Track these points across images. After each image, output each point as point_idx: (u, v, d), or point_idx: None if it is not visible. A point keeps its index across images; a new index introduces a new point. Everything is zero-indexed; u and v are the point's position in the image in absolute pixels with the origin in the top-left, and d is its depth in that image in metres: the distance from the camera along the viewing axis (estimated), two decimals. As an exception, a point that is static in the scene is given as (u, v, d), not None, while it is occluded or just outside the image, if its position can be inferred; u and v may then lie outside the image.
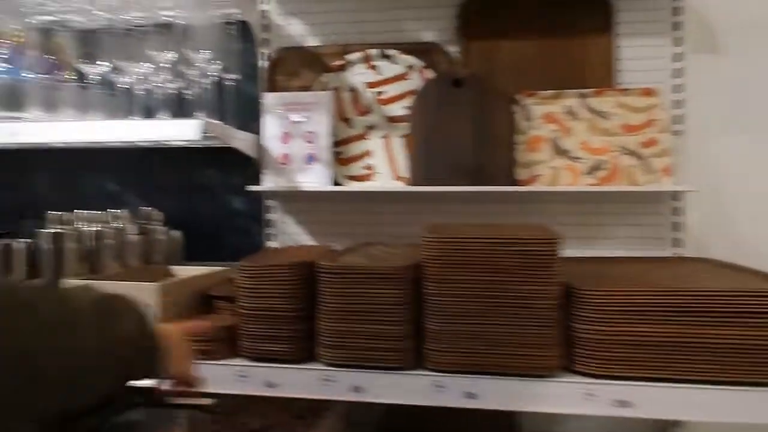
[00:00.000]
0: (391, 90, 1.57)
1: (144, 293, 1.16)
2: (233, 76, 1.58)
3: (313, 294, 1.07)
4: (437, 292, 1.00)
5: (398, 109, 1.56)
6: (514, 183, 1.46)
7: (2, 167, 1.88)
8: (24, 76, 1.54)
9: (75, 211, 1.44)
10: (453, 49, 1.57)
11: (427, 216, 1.61)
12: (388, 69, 1.58)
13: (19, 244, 1.26)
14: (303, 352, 1.08)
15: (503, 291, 0.97)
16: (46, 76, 1.55)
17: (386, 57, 1.58)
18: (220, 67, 1.49)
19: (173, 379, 0.75)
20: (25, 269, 1.25)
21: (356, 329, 1.02)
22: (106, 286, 1.19)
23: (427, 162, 1.47)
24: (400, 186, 1.53)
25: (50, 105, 1.51)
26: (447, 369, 1.02)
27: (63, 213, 1.33)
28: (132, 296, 0.70)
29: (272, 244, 1.68)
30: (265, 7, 1.64)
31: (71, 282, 1.13)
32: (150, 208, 1.56)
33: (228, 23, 1.56)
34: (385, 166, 1.56)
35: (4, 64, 1.55)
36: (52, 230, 1.26)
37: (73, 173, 1.84)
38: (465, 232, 1.02)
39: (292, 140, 1.55)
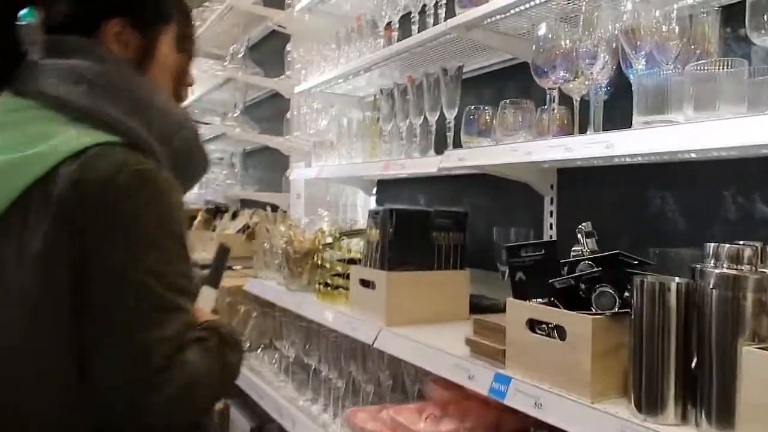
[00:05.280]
0: None
1: None
2: None
3: None
4: None
5: None
6: None
7: (617, 182, 1.66)
8: (666, 74, 1.25)
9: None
10: None
11: None
12: None
13: (672, 283, 0.94)
14: None
15: None
16: (689, 68, 1.21)
17: None
18: None
19: None
20: (675, 323, 0.93)
21: None
22: None
23: None
24: None
25: (703, 102, 1.15)
26: None
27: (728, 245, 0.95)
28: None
29: None
30: None
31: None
32: None
33: None
34: None
35: (645, 63, 1.29)
36: (723, 271, 0.88)
37: (713, 191, 1.45)
38: None
39: None
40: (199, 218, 4.12)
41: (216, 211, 4.10)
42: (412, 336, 1.49)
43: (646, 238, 1.58)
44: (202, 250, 3.73)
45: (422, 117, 1.93)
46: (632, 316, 0.98)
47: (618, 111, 1.51)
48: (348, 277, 1.88)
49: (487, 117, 1.66)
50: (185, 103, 4.65)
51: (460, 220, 1.77)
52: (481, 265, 1.94)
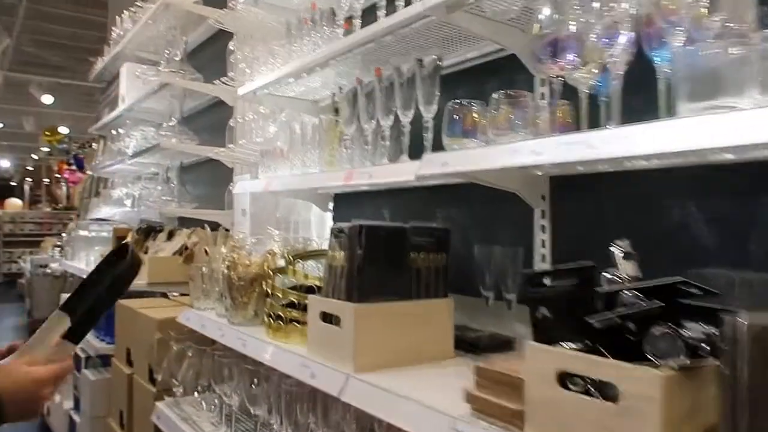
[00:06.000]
0: None
1: None
2: None
3: None
4: None
5: None
6: None
7: (625, 191, 1.37)
8: (710, 53, 1.01)
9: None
10: None
11: None
12: None
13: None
14: None
15: None
16: (759, 42, 0.97)
17: None
18: None
19: None
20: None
21: None
22: None
23: None
24: None
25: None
26: None
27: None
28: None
29: None
30: None
31: None
32: None
33: None
34: None
35: (683, 44, 1.05)
36: None
37: (747, 198, 1.22)
38: None
39: None
40: (129, 239, 3.67)
41: (149, 231, 3.66)
42: (390, 386, 1.17)
43: (663, 258, 1.33)
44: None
45: (392, 117, 1.63)
46: (724, 371, 0.70)
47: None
48: (305, 308, 1.55)
49: (475, 114, 1.39)
50: (116, 112, 4.18)
51: (441, 238, 1.48)
52: (460, 290, 1.66)
